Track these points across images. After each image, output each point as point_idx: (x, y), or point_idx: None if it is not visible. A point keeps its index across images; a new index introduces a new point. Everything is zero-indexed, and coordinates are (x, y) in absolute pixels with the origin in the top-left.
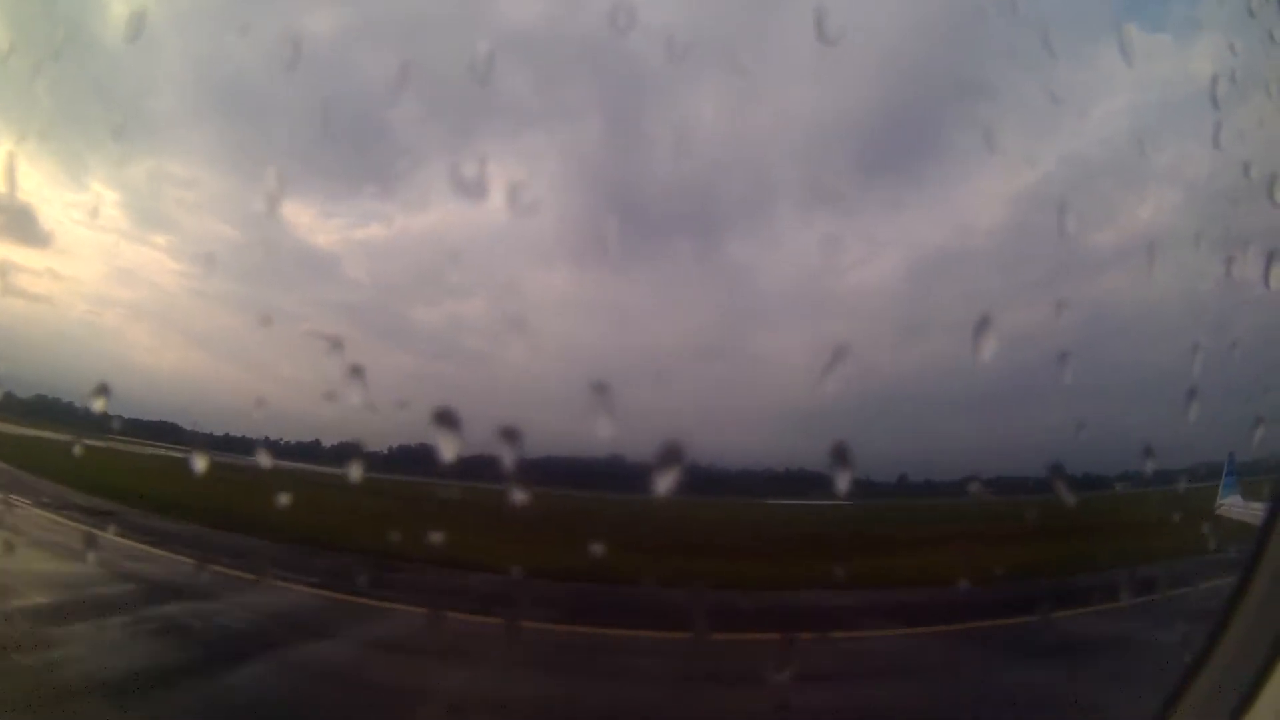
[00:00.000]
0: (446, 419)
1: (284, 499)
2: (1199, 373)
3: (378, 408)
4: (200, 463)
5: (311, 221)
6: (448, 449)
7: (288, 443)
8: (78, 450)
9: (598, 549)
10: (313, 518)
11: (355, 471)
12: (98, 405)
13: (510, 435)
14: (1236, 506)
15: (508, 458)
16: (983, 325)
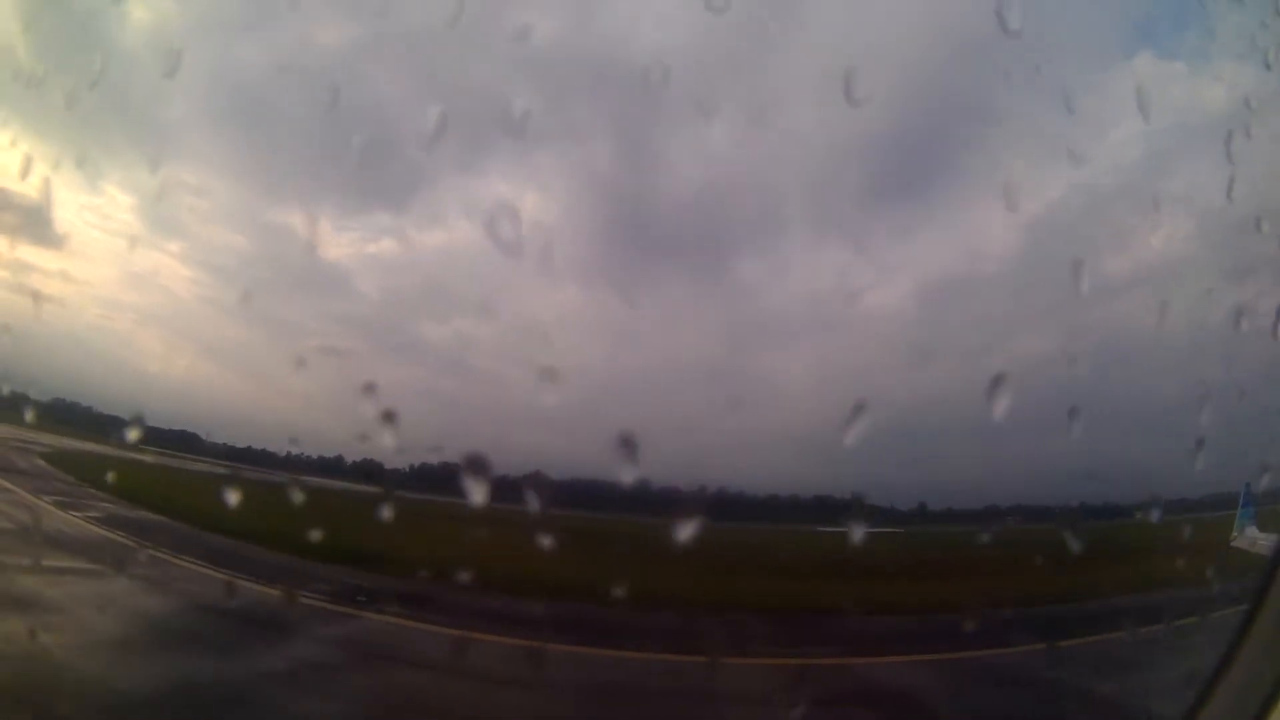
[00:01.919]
0: (476, 466)
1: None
2: (1214, 402)
3: (397, 425)
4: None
5: (324, 235)
6: (477, 493)
7: (308, 457)
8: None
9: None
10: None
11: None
12: (133, 435)
13: (539, 480)
14: (1254, 538)
15: (542, 487)
16: (998, 381)
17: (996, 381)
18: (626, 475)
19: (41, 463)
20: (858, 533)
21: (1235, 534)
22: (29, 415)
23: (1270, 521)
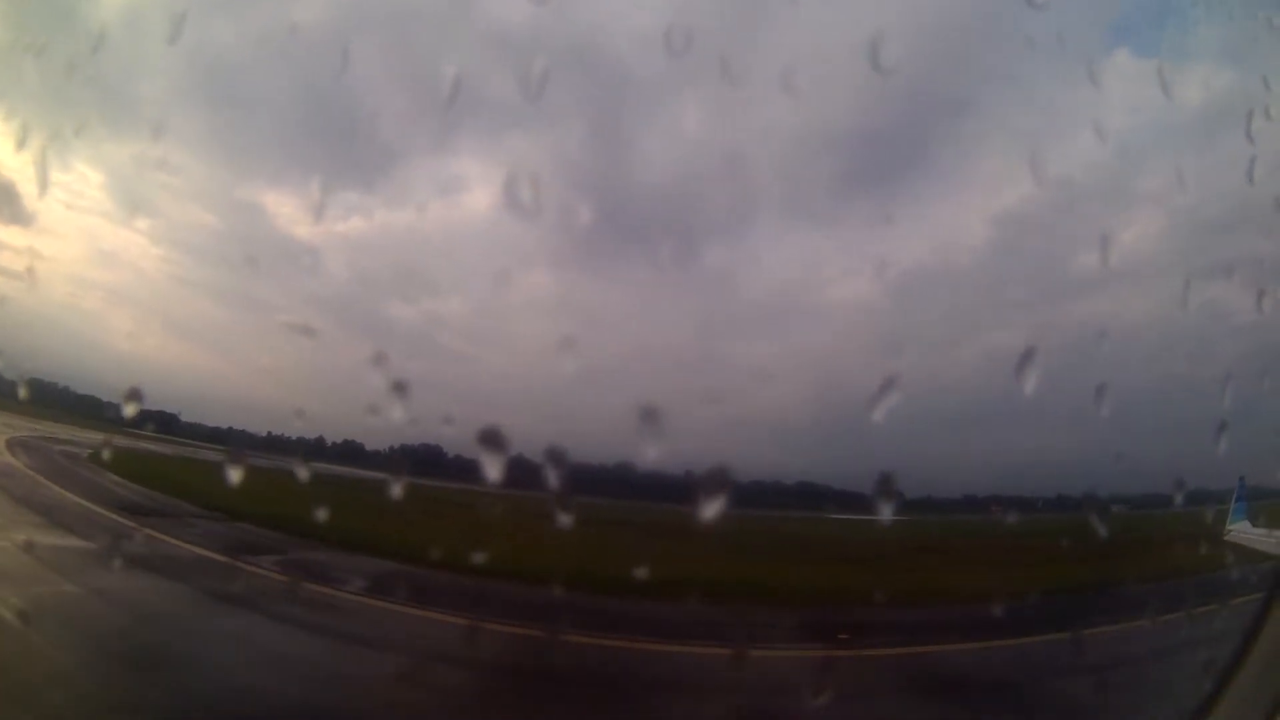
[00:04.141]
0: (491, 439)
1: None
2: (1234, 387)
3: (407, 398)
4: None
5: (293, 213)
6: (492, 467)
7: (286, 438)
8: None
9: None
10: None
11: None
12: (130, 410)
13: (558, 451)
14: (1246, 533)
15: (554, 472)
16: (1026, 357)
17: (1025, 358)
18: (637, 456)
19: (116, 478)
20: (885, 518)
21: (1229, 528)
22: (22, 394)
23: (1261, 516)
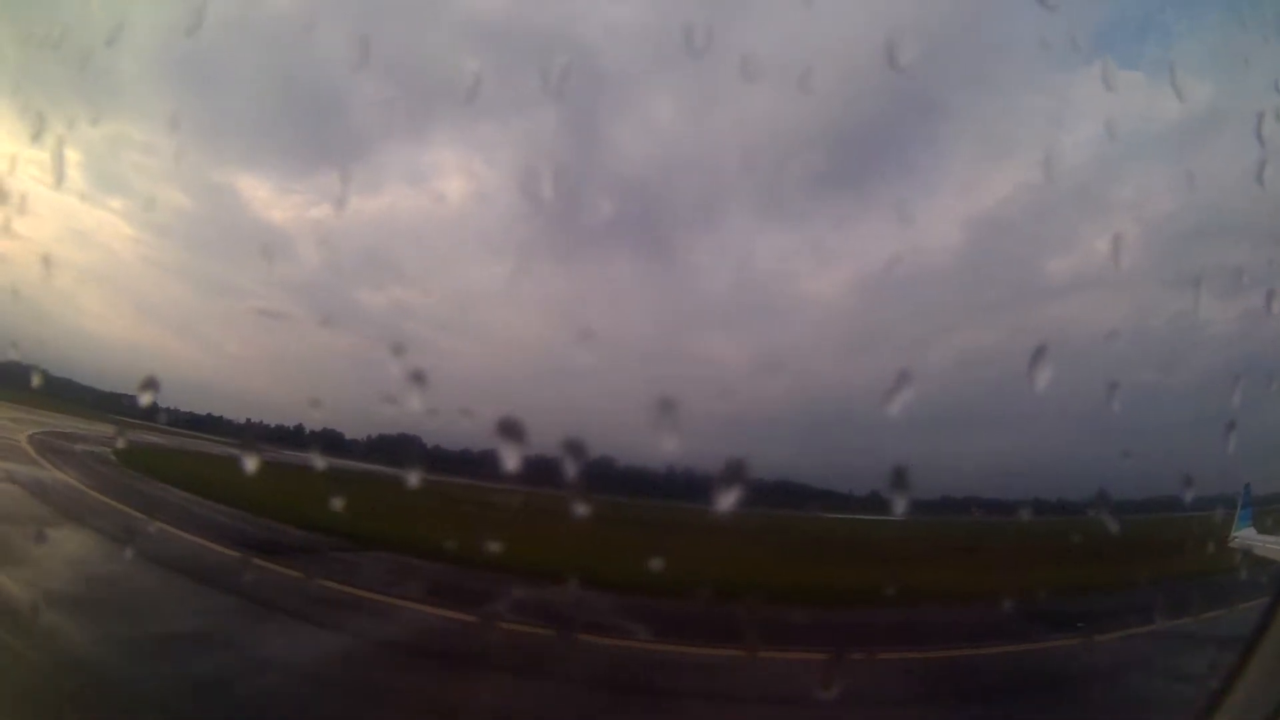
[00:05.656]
0: (510, 429)
1: None
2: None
3: (425, 387)
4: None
5: (268, 196)
6: (511, 458)
7: (266, 425)
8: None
9: None
10: None
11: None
12: (145, 399)
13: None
14: (1251, 539)
15: (571, 465)
16: (1038, 354)
17: (1037, 356)
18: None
19: (174, 489)
20: (896, 516)
21: (1234, 535)
22: (35, 382)
23: (1268, 520)
